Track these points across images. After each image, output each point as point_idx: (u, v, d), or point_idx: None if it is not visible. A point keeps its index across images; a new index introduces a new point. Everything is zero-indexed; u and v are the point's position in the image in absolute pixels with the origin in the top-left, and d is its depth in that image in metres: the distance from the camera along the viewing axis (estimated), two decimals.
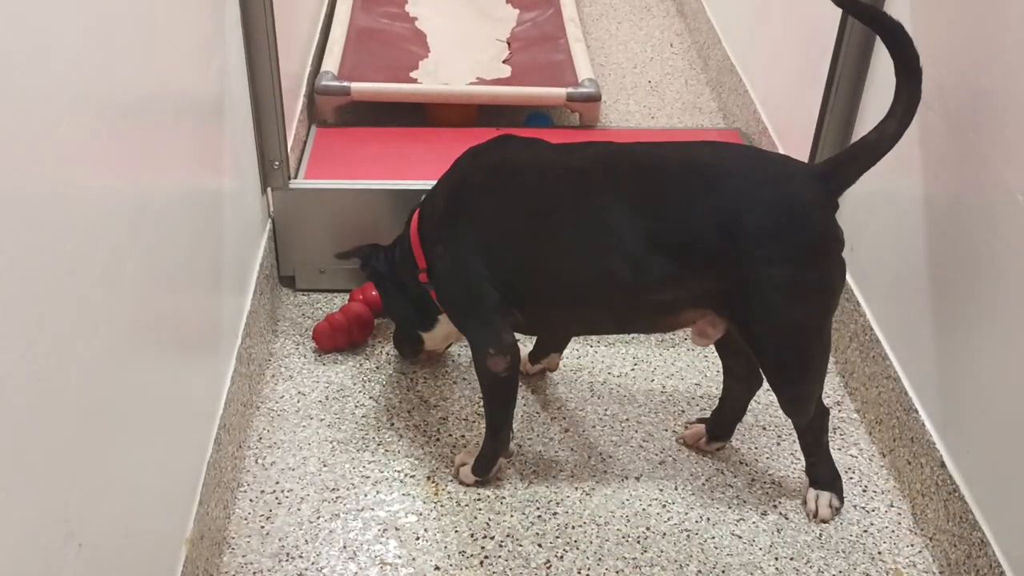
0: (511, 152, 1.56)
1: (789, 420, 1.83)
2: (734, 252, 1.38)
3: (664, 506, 1.66)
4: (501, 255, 1.51)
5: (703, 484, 1.71)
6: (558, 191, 1.47)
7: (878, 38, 1.81)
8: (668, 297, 1.46)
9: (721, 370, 1.95)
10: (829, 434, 1.64)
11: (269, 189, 2.00)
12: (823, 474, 1.65)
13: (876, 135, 1.40)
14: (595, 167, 1.47)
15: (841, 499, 1.65)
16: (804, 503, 1.66)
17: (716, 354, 1.98)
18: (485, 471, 1.67)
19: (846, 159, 1.43)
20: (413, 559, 1.55)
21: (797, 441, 1.79)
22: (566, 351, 1.92)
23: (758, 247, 1.37)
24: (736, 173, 1.41)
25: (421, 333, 1.79)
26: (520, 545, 1.58)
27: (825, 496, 1.64)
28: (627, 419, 1.83)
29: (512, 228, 1.50)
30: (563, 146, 1.54)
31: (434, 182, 2.05)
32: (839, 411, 1.86)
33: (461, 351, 1.97)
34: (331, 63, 2.55)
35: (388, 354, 1.96)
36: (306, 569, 1.52)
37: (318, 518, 1.61)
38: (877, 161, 1.42)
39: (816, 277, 1.42)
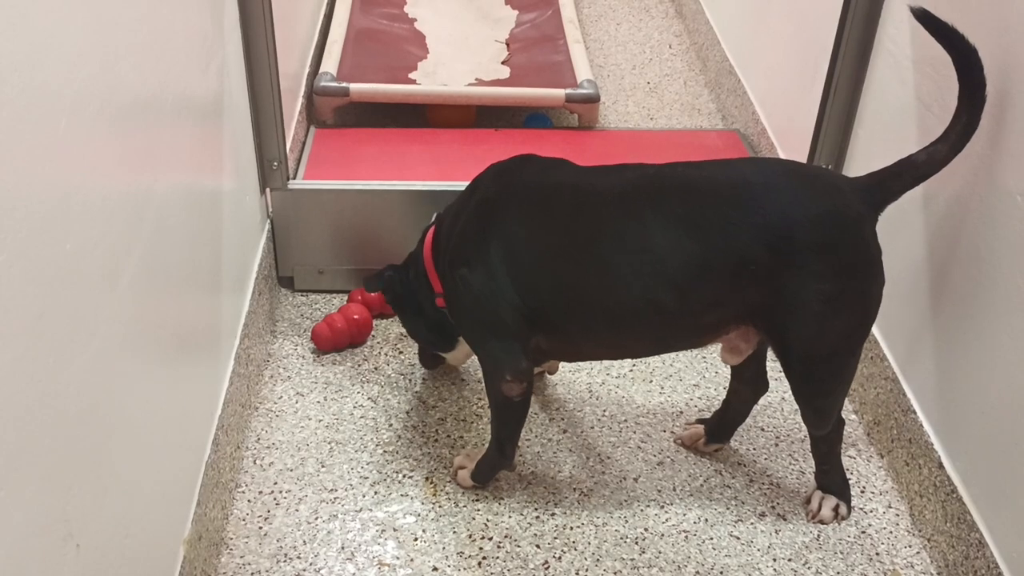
0: (541, 173, 1.52)
1: (788, 422, 1.84)
2: (783, 267, 1.37)
3: (662, 507, 1.66)
4: (534, 280, 1.46)
5: (701, 485, 1.71)
6: (599, 216, 1.43)
7: (876, 39, 1.83)
8: (713, 318, 1.45)
9: (719, 372, 1.96)
10: None
11: (268, 190, 2.00)
12: (834, 481, 1.65)
13: (925, 156, 1.39)
14: (637, 191, 1.43)
15: (849, 507, 1.65)
16: (807, 502, 1.66)
17: (716, 355, 1.98)
18: (485, 479, 1.66)
19: (891, 175, 1.42)
20: (411, 560, 1.55)
21: (795, 443, 1.79)
22: None
23: (808, 261, 1.36)
24: (783, 188, 1.39)
25: (442, 354, 1.78)
26: (518, 546, 1.58)
27: (831, 500, 1.64)
28: (625, 420, 1.84)
29: (548, 253, 1.45)
30: (595, 169, 1.50)
31: (434, 183, 2.06)
32: None
33: None
34: (330, 64, 2.55)
35: (387, 355, 1.96)
36: (304, 570, 1.52)
37: (316, 519, 1.61)
38: (922, 182, 1.42)
39: (862, 290, 1.42)
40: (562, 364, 1.93)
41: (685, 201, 1.40)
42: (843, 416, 1.62)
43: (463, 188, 1.59)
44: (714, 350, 1.98)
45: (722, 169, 1.45)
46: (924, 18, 1.38)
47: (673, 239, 1.38)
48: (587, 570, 1.54)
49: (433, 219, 1.67)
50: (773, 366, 1.71)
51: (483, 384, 1.88)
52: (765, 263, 1.37)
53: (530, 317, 1.48)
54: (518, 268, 1.46)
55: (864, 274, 1.41)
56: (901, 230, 1.69)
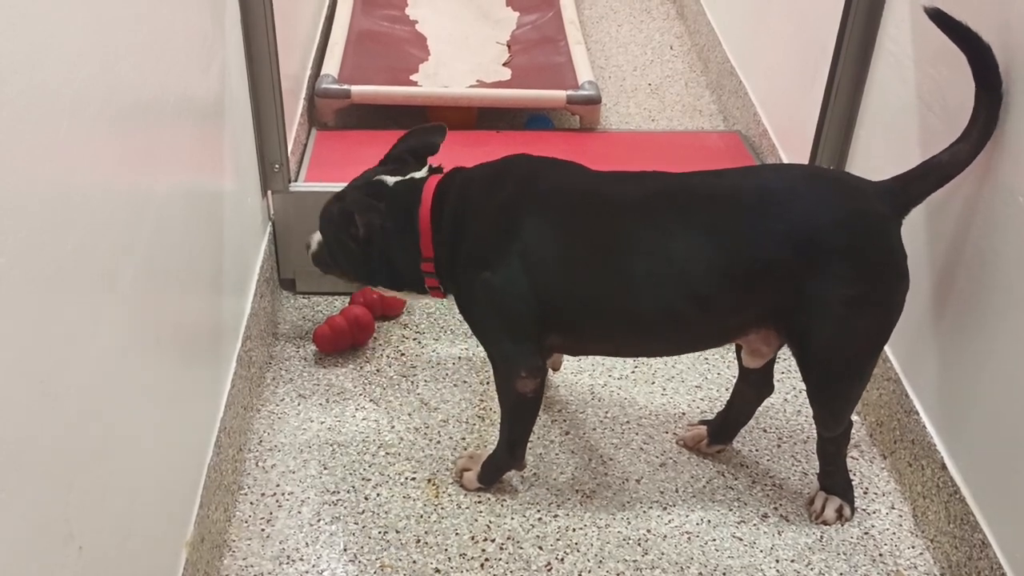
0: (562, 178, 1.49)
1: (791, 423, 1.83)
2: (807, 272, 1.37)
3: (665, 508, 1.66)
4: (555, 285, 1.45)
5: (704, 486, 1.70)
6: (622, 223, 1.42)
7: (877, 39, 1.82)
8: (735, 322, 1.45)
9: (721, 373, 1.95)
10: None
11: (269, 192, 2.00)
12: (837, 482, 1.64)
13: (948, 157, 1.39)
14: (660, 199, 1.43)
15: (853, 508, 1.65)
16: (810, 504, 1.66)
17: (718, 357, 1.98)
18: (491, 481, 1.66)
19: (915, 177, 1.42)
20: (413, 561, 1.54)
21: (798, 444, 1.79)
22: None
23: (832, 265, 1.36)
24: (806, 193, 1.39)
25: (387, 289, 1.61)
26: (521, 547, 1.58)
27: (835, 501, 1.64)
28: (627, 421, 1.83)
29: (571, 259, 1.44)
30: (616, 175, 1.48)
31: None
32: None
33: (458, 354, 1.97)
34: (331, 66, 2.55)
35: (388, 357, 1.96)
36: (306, 572, 1.52)
37: (319, 521, 1.61)
38: (946, 183, 1.42)
39: (886, 293, 1.41)
40: (565, 366, 1.93)
41: (708, 209, 1.40)
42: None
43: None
44: (716, 351, 1.97)
45: (744, 176, 1.45)
46: (938, 18, 1.39)
47: (696, 247, 1.38)
48: (590, 571, 1.54)
49: (425, 172, 1.56)
50: (776, 367, 1.71)
51: (484, 387, 1.88)
52: (790, 268, 1.37)
53: (548, 319, 1.47)
54: (540, 273, 1.45)
55: (888, 278, 1.41)
56: (903, 231, 1.69)
